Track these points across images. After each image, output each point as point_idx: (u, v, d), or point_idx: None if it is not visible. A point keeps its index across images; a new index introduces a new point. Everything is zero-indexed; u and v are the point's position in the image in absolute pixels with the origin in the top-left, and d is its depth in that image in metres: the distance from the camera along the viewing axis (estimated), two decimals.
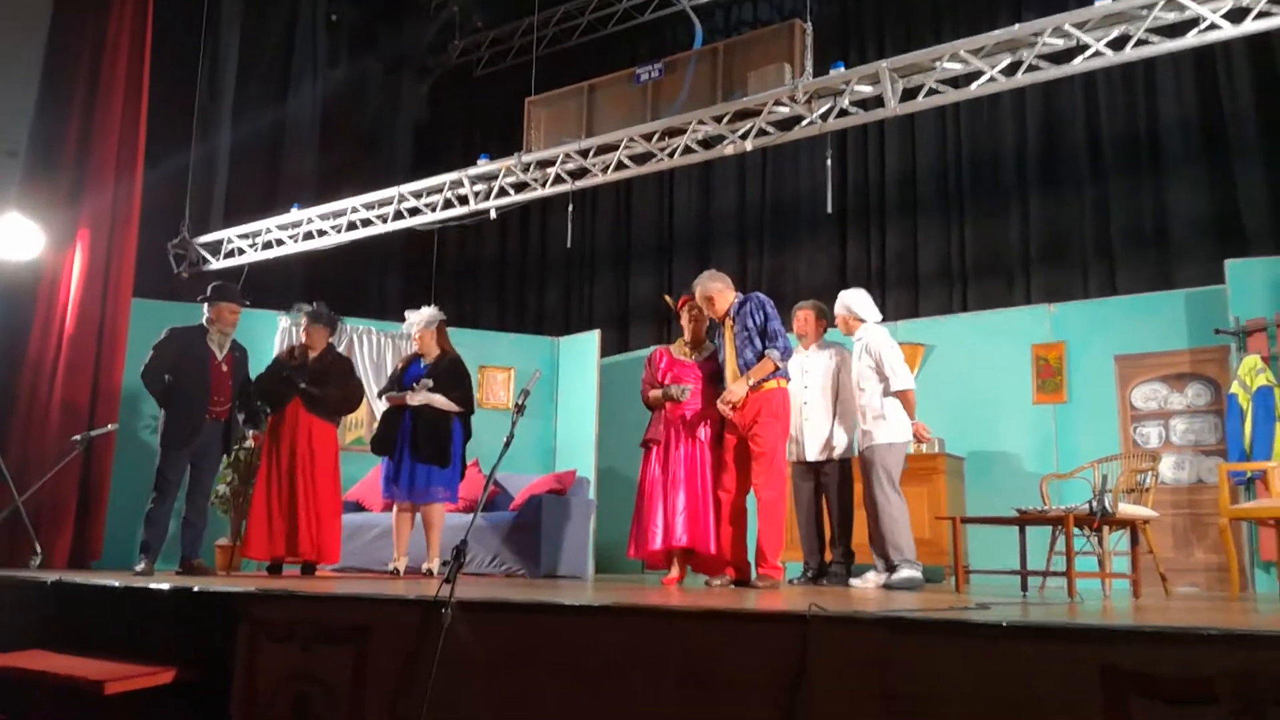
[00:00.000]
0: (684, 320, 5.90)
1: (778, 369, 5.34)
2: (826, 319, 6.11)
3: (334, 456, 6.53)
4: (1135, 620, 3.09)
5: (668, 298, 6.50)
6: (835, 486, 5.93)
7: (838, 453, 5.89)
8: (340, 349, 8.45)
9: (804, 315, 6.13)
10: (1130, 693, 2.45)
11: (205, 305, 6.39)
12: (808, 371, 6.00)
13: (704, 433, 5.63)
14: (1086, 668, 2.50)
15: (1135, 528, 5.35)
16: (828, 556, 6.06)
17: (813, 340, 6.08)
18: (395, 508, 6.40)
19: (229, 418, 6.35)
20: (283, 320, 8.59)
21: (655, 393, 5.74)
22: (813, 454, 5.90)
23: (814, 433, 5.91)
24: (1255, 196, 7.32)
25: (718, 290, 5.57)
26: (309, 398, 6.37)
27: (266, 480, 6.31)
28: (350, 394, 6.64)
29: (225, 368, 6.32)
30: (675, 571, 5.66)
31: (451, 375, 6.40)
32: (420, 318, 6.50)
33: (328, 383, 6.45)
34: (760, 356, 5.36)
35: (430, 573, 6.21)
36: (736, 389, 5.30)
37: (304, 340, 6.55)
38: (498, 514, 7.39)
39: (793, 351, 5.46)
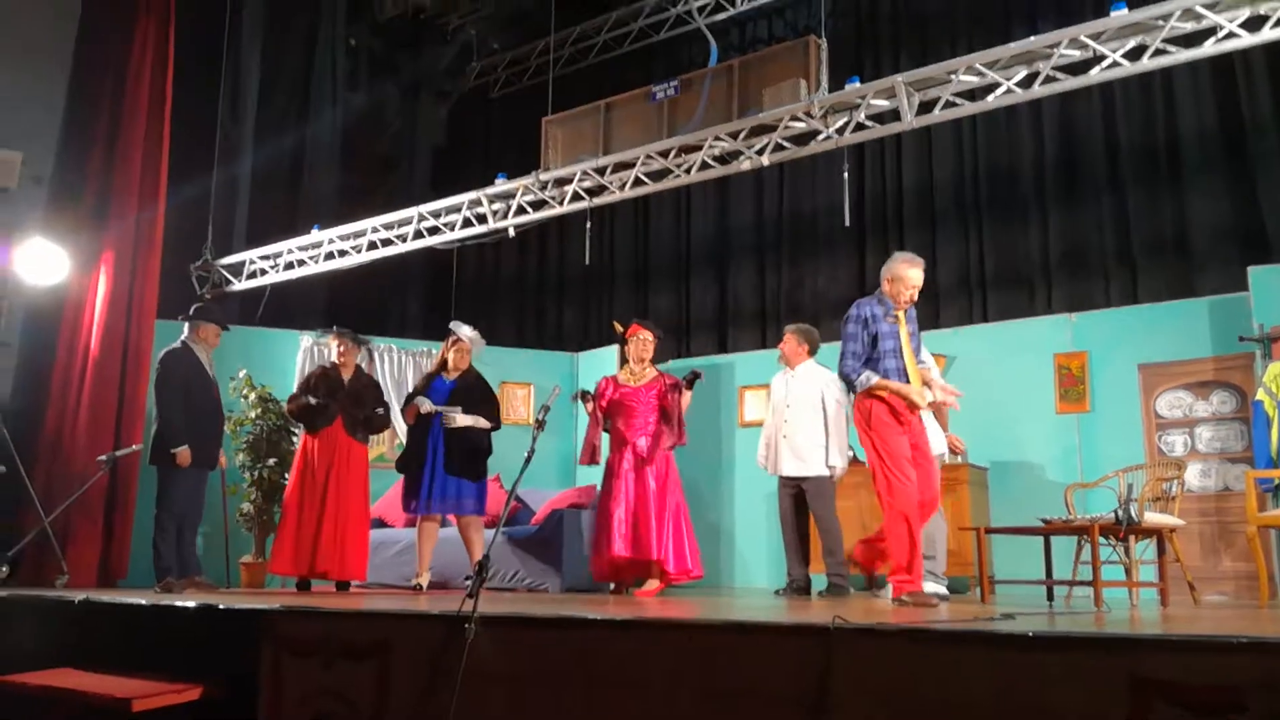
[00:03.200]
0: (629, 348, 6.46)
1: None
2: (810, 344, 6.51)
3: (366, 475, 6.67)
4: (1163, 629, 3.06)
5: (617, 325, 6.80)
6: (823, 502, 6.24)
7: (816, 469, 6.24)
8: (360, 367, 8.55)
9: (786, 338, 6.55)
10: (1158, 702, 2.43)
11: (188, 325, 6.57)
12: (791, 391, 6.43)
13: (648, 451, 6.22)
14: (1114, 678, 2.48)
15: (1162, 536, 5.31)
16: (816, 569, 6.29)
17: (796, 363, 6.47)
18: (420, 520, 6.43)
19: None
20: (305, 340, 8.66)
21: (587, 406, 6.42)
22: (790, 470, 6.30)
23: (791, 450, 6.29)
24: (1277, 203, 7.26)
25: (916, 278, 4.94)
26: (352, 420, 6.53)
27: (300, 498, 6.39)
28: (385, 415, 6.87)
29: (217, 384, 6.63)
30: (654, 584, 6.13)
31: (483, 393, 6.52)
32: (478, 337, 6.67)
33: (365, 404, 6.62)
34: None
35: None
36: (935, 394, 5.03)
37: (340, 360, 6.69)
38: (519, 529, 7.40)
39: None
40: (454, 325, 6.68)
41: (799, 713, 2.79)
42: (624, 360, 6.61)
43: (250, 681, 3.67)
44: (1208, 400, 7.05)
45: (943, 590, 5.51)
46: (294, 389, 6.86)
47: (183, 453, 6.22)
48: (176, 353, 6.49)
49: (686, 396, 6.38)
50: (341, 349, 6.72)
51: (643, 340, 6.46)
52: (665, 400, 6.33)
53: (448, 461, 6.31)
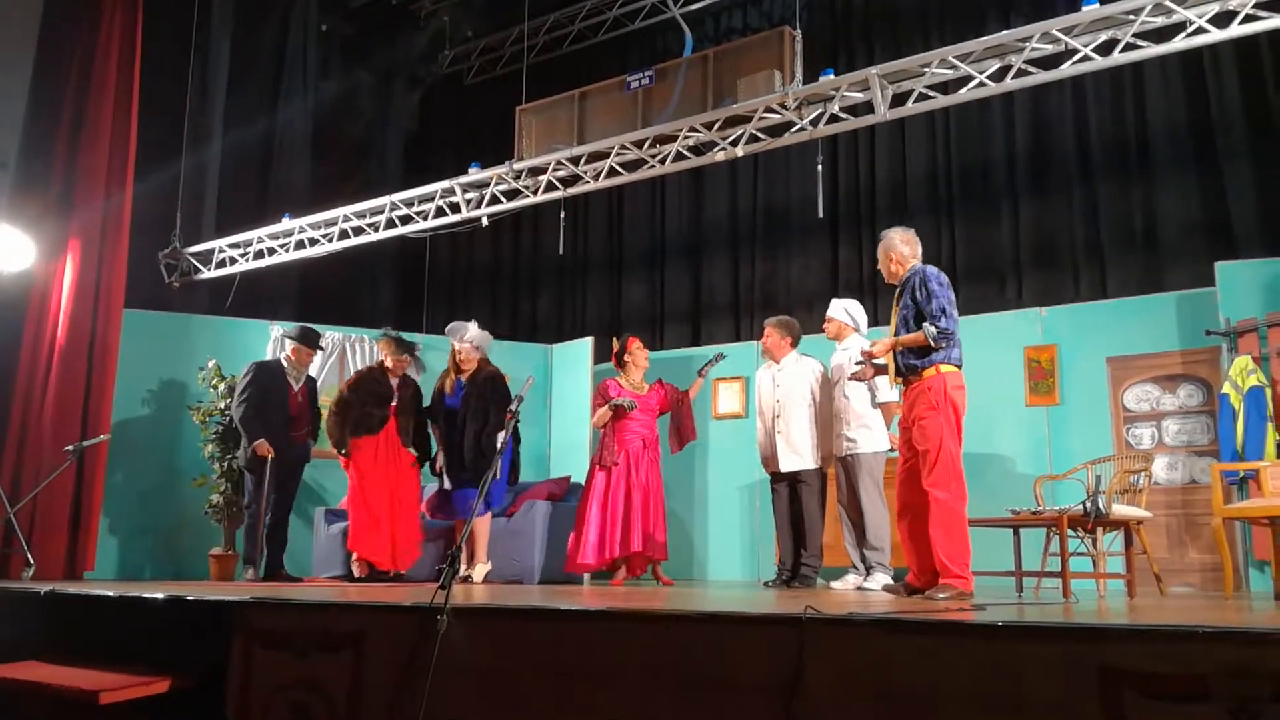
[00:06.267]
0: (630, 359, 6.77)
1: (933, 349, 4.56)
2: (792, 336, 6.37)
3: (417, 474, 6.96)
4: (1130, 619, 3.09)
5: (616, 341, 7.07)
6: (812, 494, 6.26)
7: (813, 463, 6.23)
8: (333, 358, 8.54)
9: (767, 332, 6.53)
10: (1126, 691, 2.46)
11: (288, 342, 7.08)
12: (780, 385, 6.39)
13: (651, 453, 6.66)
14: (1082, 667, 2.51)
15: (1129, 528, 5.37)
16: None
17: (780, 356, 6.46)
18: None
19: (306, 440, 7.12)
20: (274, 330, 8.58)
21: (603, 409, 6.65)
22: (787, 465, 6.27)
23: (788, 444, 6.28)
24: (1244, 199, 7.35)
25: (904, 255, 4.85)
26: (403, 429, 6.83)
27: (365, 495, 6.67)
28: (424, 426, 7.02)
29: (301, 399, 7.08)
30: (623, 574, 6.66)
31: (490, 394, 6.55)
32: (479, 338, 6.69)
33: (411, 414, 6.89)
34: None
35: (469, 579, 6.47)
36: (876, 347, 4.76)
37: (388, 365, 6.90)
38: (494, 520, 7.37)
39: (954, 336, 4.63)
40: (449, 330, 6.78)
41: (772, 702, 2.80)
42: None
43: (220, 674, 3.64)
44: (1175, 394, 7.13)
45: (889, 580, 5.61)
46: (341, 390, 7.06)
47: (261, 445, 6.72)
48: (265, 363, 7.20)
49: (698, 383, 6.82)
50: (391, 357, 6.90)
51: (642, 351, 6.85)
52: (668, 405, 6.76)
53: (459, 473, 6.53)
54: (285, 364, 7.08)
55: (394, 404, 6.81)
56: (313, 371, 7.78)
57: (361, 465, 6.71)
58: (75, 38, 7.49)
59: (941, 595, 4.33)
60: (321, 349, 7.41)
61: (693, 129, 7.23)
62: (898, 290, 4.83)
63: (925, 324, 4.57)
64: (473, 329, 6.69)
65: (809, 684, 2.77)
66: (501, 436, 6.13)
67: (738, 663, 2.92)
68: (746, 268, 9.76)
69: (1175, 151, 7.73)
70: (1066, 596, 4.75)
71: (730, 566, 8.48)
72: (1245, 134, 7.40)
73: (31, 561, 6.30)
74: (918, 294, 4.67)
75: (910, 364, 4.64)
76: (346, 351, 8.79)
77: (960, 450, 4.59)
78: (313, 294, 9.69)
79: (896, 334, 4.72)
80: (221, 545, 7.68)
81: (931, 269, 4.72)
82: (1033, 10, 7.70)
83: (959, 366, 4.62)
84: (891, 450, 6.25)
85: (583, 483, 8.29)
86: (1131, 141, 7.94)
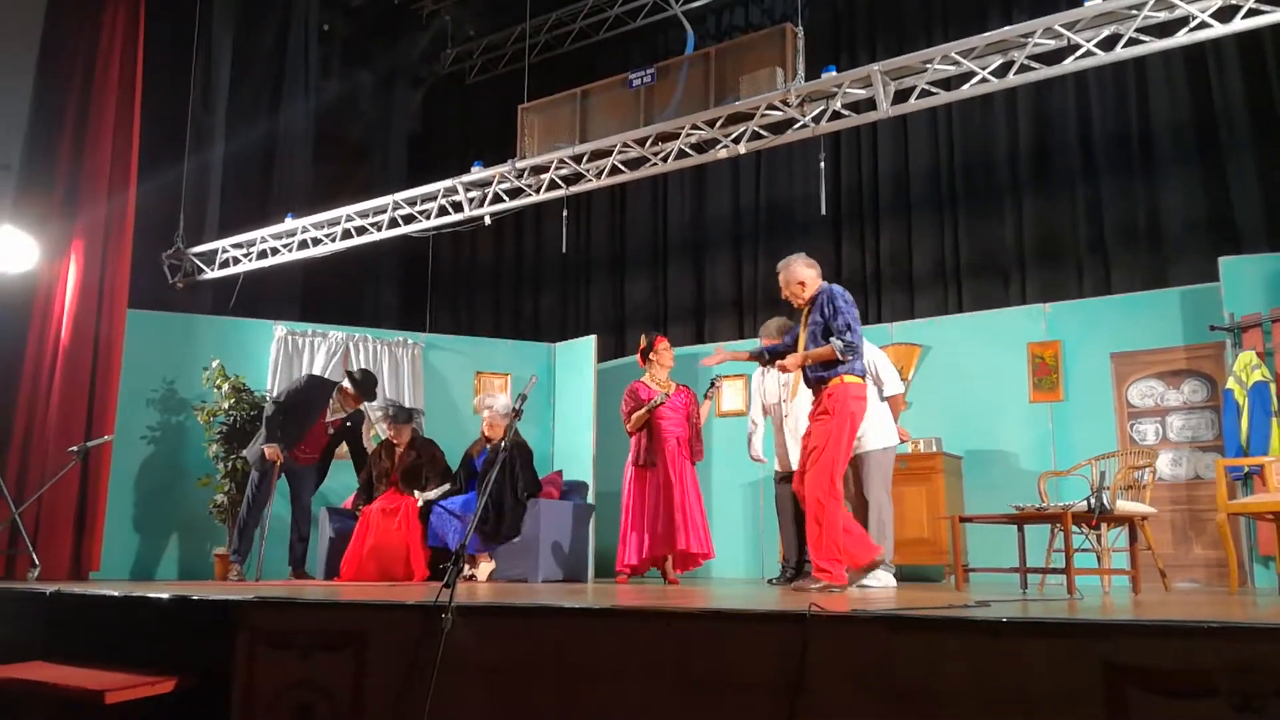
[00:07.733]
0: (655, 358, 6.79)
1: (841, 361, 4.89)
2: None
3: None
4: (1134, 615, 3.09)
5: (644, 338, 7.09)
6: None
7: None
8: (336, 358, 8.56)
9: (766, 334, 6.44)
10: (1130, 687, 2.45)
11: (347, 380, 7.25)
12: (786, 385, 6.36)
13: (684, 451, 6.67)
14: (1086, 662, 2.50)
15: (1133, 524, 5.36)
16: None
17: None
18: None
19: (320, 460, 7.30)
20: (278, 330, 8.59)
21: (639, 413, 6.59)
22: (798, 464, 6.09)
23: (798, 442, 6.09)
24: (1248, 194, 7.34)
25: (810, 277, 5.21)
26: (407, 491, 7.04)
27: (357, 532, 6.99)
28: (443, 470, 7.19)
29: (329, 431, 7.26)
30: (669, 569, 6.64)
31: (512, 462, 6.75)
32: (504, 407, 6.96)
33: (419, 478, 7.08)
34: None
35: (473, 578, 6.61)
36: (788, 361, 5.07)
37: (393, 437, 7.20)
38: None
39: (858, 349, 4.94)
40: (477, 403, 7.31)
41: (775, 700, 2.80)
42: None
43: (225, 673, 3.64)
44: (1179, 389, 7.12)
45: (891, 578, 5.60)
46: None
47: (270, 448, 6.94)
48: (322, 381, 7.44)
49: (706, 405, 6.75)
50: (391, 431, 7.21)
51: (668, 351, 6.89)
52: (689, 411, 6.75)
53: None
54: (337, 394, 7.27)
55: (396, 474, 7.09)
56: (316, 370, 7.80)
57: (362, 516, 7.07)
58: (78, 39, 7.50)
59: (814, 586, 4.71)
60: (373, 399, 7.52)
61: (695, 126, 7.23)
62: (806, 309, 5.17)
63: (832, 338, 4.90)
64: (501, 400, 7.09)
65: (813, 681, 2.77)
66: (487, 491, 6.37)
67: (742, 660, 2.91)
68: (749, 265, 9.76)
69: (1178, 146, 7.72)
70: (1071, 592, 4.74)
71: (734, 564, 8.48)
72: (1249, 128, 7.39)
73: (37, 562, 6.31)
74: (825, 310, 5.01)
75: (818, 375, 4.98)
76: (350, 351, 8.80)
77: (846, 457, 4.96)
78: (316, 294, 9.70)
79: (806, 348, 5.06)
80: (226, 545, 7.68)
81: (838, 288, 5.06)
82: (1035, 5, 7.69)
83: (861, 378, 4.98)
84: (903, 444, 6.25)
85: (588, 480, 8.33)
86: (1134, 136, 7.93)
